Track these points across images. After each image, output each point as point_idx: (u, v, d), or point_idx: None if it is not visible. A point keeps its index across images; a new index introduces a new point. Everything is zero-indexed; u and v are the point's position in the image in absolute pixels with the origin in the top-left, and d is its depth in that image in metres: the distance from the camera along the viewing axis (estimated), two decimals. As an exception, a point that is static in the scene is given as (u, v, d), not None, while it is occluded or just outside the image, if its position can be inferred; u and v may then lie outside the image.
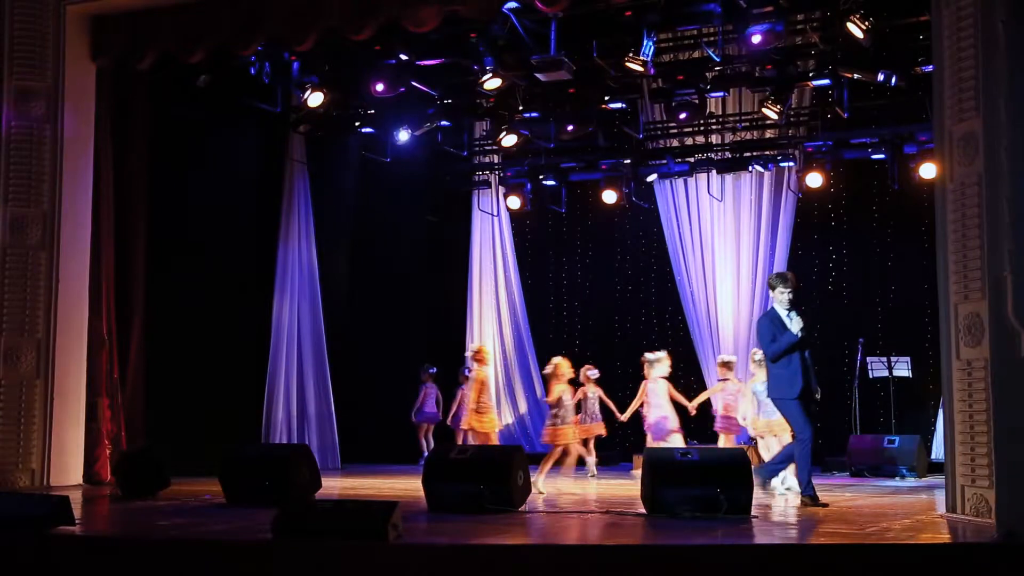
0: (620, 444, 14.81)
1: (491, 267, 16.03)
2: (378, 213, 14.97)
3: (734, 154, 14.27)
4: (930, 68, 8.80)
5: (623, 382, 14.51)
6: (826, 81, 11.83)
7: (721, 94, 12.99)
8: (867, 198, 14.39)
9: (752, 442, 11.40)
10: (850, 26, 10.10)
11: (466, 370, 14.20)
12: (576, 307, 16.03)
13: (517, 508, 7.72)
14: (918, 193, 13.24)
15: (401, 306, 15.18)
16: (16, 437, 9.89)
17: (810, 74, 11.76)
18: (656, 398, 11.16)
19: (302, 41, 9.96)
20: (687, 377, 14.14)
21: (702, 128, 14.32)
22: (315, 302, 13.76)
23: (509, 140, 13.33)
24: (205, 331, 11.94)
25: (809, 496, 8.17)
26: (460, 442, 11.78)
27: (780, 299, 8.30)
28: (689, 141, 14.64)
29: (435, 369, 14.39)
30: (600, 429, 12.18)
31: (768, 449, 10.32)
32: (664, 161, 14.49)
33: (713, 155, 14.48)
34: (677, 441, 10.88)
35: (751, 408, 10.56)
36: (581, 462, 11.58)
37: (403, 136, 13.73)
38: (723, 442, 11.43)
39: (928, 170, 12.39)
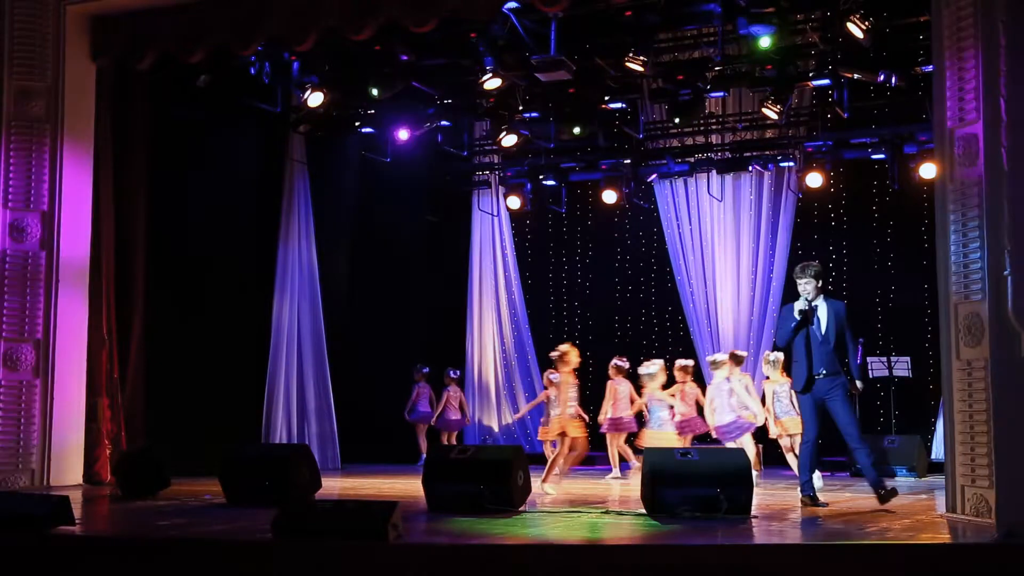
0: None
1: (491, 267, 16.02)
2: (378, 213, 14.96)
3: (734, 154, 14.26)
4: (930, 68, 8.80)
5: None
6: (826, 81, 11.81)
7: (721, 94, 12.99)
8: (867, 198, 14.38)
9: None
10: (850, 26, 10.10)
11: (450, 371, 14.22)
12: (576, 307, 16.02)
13: (517, 508, 7.72)
14: (918, 193, 13.23)
15: (401, 306, 15.17)
16: (16, 437, 9.90)
17: (810, 74, 11.74)
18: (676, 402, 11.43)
19: (302, 41, 9.96)
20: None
21: (702, 128, 14.31)
22: (315, 302, 13.75)
23: (509, 140, 13.32)
24: (205, 331, 11.94)
25: (808, 496, 8.16)
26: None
27: (800, 290, 8.18)
28: (689, 141, 14.63)
29: (428, 369, 14.41)
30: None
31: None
32: (664, 161, 14.48)
33: (713, 155, 14.47)
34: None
35: (757, 407, 10.55)
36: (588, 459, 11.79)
37: (403, 135, 13.71)
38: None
39: (928, 170, 12.38)
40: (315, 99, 11.96)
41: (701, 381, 12.03)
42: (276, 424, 13.12)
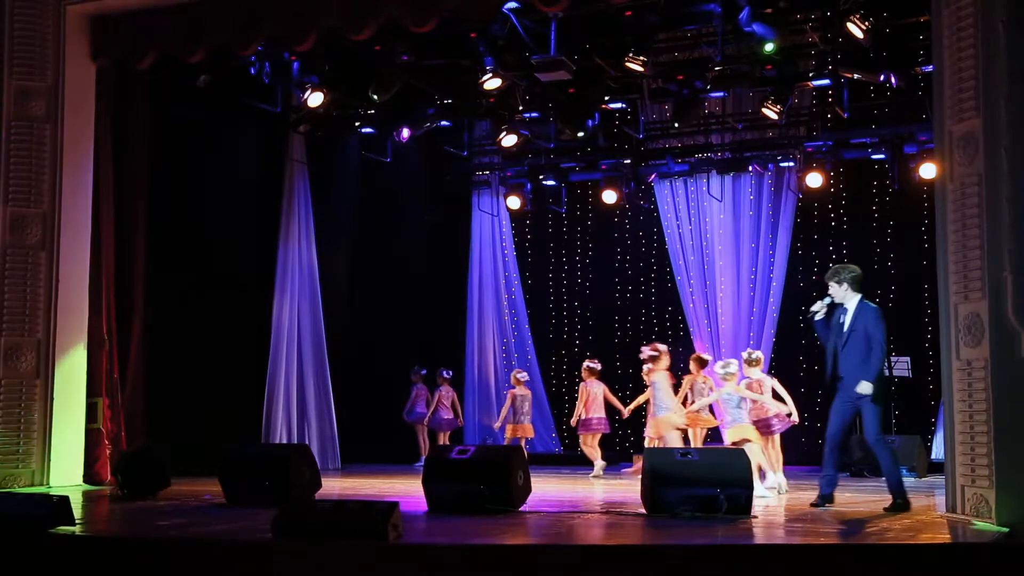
0: (620, 444, 14.82)
1: (491, 267, 16.04)
2: (378, 213, 14.97)
3: (734, 154, 14.27)
4: (930, 68, 8.80)
5: (623, 381, 14.53)
6: (826, 81, 11.82)
7: (721, 94, 12.99)
8: (867, 198, 14.39)
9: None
10: (850, 26, 10.10)
11: (443, 371, 14.24)
12: (576, 307, 16.03)
13: (517, 508, 7.72)
14: (918, 193, 13.24)
15: (401, 306, 15.18)
16: (16, 437, 9.89)
17: (810, 74, 11.75)
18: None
19: (302, 41, 9.96)
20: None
21: (702, 128, 14.32)
22: (315, 302, 13.76)
23: (509, 140, 13.33)
24: (205, 331, 11.93)
25: (820, 496, 8.12)
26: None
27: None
28: (689, 141, 14.63)
29: (426, 371, 14.44)
30: (530, 431, 13.14)
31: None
32: (664, 161, 14.49)
33: (713, 155, 14.48)
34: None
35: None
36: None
37: (404, 134, 13.71)
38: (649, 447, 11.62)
39: (928, 170, 12.39)
40: (315, 99, 11.96)
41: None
42: (276, 424, 13.12)
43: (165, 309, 11.43)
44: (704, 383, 11.51)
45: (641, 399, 12.09)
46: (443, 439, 13.99)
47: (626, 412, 12.54)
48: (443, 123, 13.82)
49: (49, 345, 10.12)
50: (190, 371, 11.61)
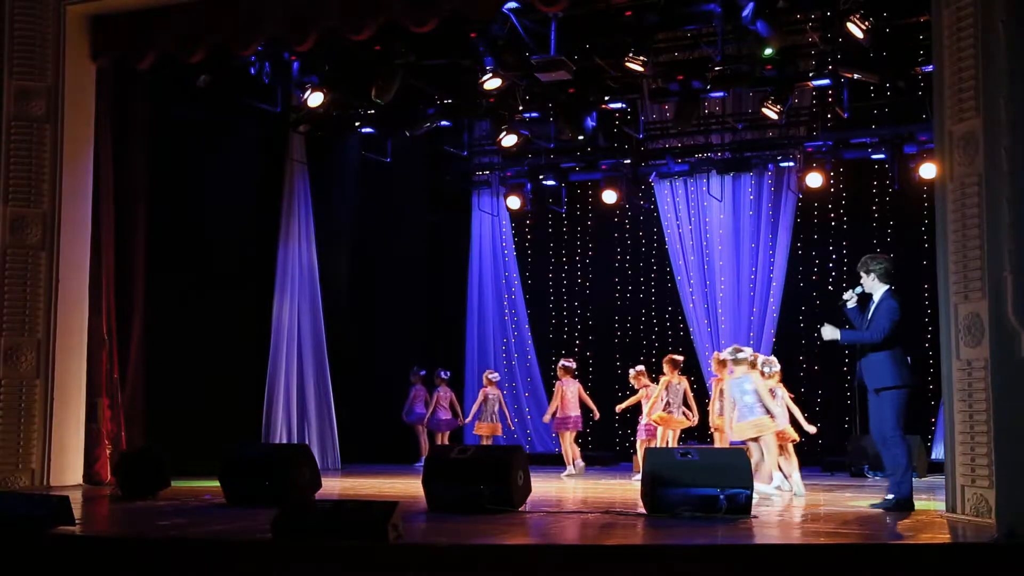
0: (621, 444, 14.82)
1: (491, 267, 16.04)
2: (378, 213, 14.97)
3: (734, 154, 14.27)
4: (930, 68, 8.80)
5: (623, 381, 14.52)
6: (826, 81, 11.83)
7: (721, 94, 12.99)
8: (867, 198, 14.39)
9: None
10: (850, 26, 10.10)
11: (441, 372, 14.25)
12: (576, 307, 16.03)
13: (517, 508, 7.72)
14: (918, 193, 13.25)
15: (401, 306, 15.18)
16: (16, 437, 9.89)
17: (810, 74, 11.75)
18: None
19: (302, 41, 9.95)
20: (687, 377, 14.11)
21: (702, 128, 14.32)
22: (315, 302, 13.76)
23: (509, 140, 13.33)
24: (205, 331, 11.94)
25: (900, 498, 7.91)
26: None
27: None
28: (689, 141, 14.64)
29: (425, 372, 14.44)
30: (498, 430, 13.34)
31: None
32: (664, 161, 14.50)
33: (713, 155, 14.49)
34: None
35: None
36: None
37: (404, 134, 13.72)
38: (640, 448, 11.63)
39: (928, 170, 12.39)
40: (315, 99, 11.96)
41: (701, 381, 12.07)
42: (276, 424, 13.12)
43: (165, 309, 11.43)
44: (679, 384, 11.52)
45: (631, 401, 12.11)
46: (442, 439, 14.00)
47: (597, 413, 12.77)
48: (443, 123, 13.82)
49: (49, 345, 10.12)
50: (190, 371, 11.62)
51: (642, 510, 7.62)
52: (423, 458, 11.90)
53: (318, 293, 13.80)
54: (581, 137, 12.94)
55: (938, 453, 12.03)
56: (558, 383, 12.67)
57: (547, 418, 12.86)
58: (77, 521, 6.66)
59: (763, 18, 10.16)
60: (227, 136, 12.79)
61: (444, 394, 14.19)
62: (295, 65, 11.96)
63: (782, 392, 10.07)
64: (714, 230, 14.66)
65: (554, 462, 14.19)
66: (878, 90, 12.86)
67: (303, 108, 12.42)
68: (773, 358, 10.59)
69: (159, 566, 5.92)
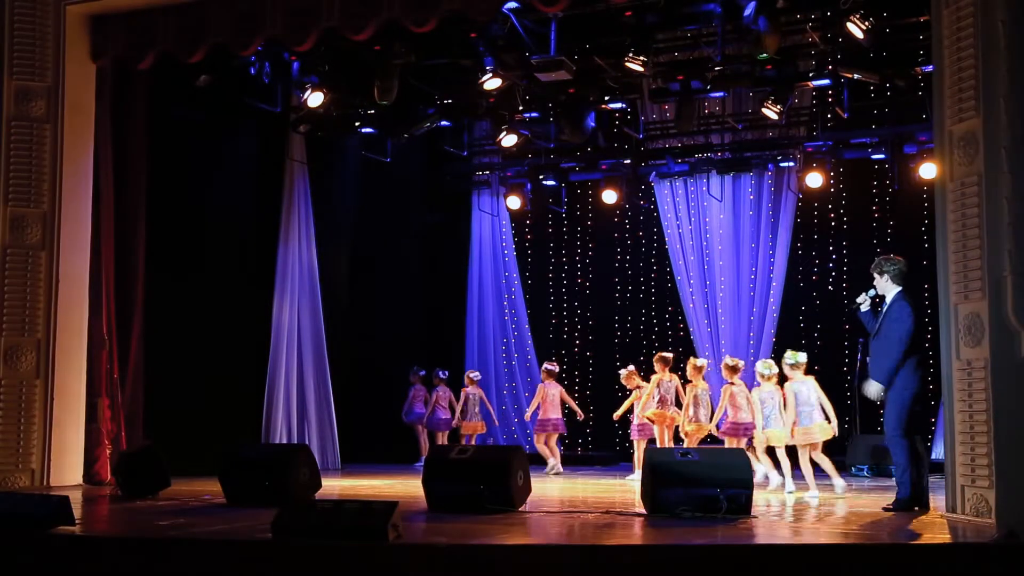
0: (621, 444, 14.82)
1: (491, 267, 16.03)
2: (378, 213, 14.97)
3: (734, 154, 14.27)
4: (930, 68, 8.80)
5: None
6: (826, 81, 11.83)
7: (721, 94, 12.99)
8: (867, 198, 14.39)
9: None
10: (850, 26, 10.10)
11: (439, 372, 14.26)
12: (576, 307, 16.03)
13: (517, 508, 7.72)
14: (918, 193, 13.24)
15: (401, 306, 15.18)
16: (16, 437, 9.89)
17: (810, 74, 11.75)
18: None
19: (302, 41, 9.95)
20: (678, 374, 14.13)
21: (702, 128, 14.32)
22: (315, 302, 13.75)
23: (509, 140, 13.33)
24: (205, 331, 11.94)
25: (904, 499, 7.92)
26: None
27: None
28: (689, 141, 14.63)
29: (424, 371, 14.45)
30: (480, 428, 13.72)
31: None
32: (664, 161, 14.50)
33: (713, 155, 14.48)
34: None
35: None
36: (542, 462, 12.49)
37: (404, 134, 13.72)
38: (638, 448, 11.83)
39: (928, 170, 12.39)
40: (315, 99, 11.96)
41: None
42: (276, 424, 13.12)
43: (165, 309, 11.43)
44: (671, 382, 11.61)
45: (626, 405, 12.13)
46: (441, 439, 14.01)
47: (581, 414, 13.17)
48: (443, 123, 13.82)
49: (49, 345, 10.12)
50: (190, 371, 11.62)
51: (642, 510, 7.62)
52: (423, 458, 11.91)
53: (318, 293, 13.79)
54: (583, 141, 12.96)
55: (938, 453, 12.02)
56: (540, 385, 13.00)
57: (528, 416, 13.18)
58: (77, 521, 6.67)
59: (764, 15, 10.12)
60: (227, 136, 12.79)
61: (443, 394, 14.19)
62: (295, 65, 11.96)
63: (779, 395, 10.06)
64: (714, 230, 14.65)
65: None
66: (878, 90, 12.86)
67: (303, 108, 12.42)
68: (771, 361, 10.61)
69: (159, 566, 5.92)
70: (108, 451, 10.45)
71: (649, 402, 11.56)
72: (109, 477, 10.22)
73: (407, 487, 10.05)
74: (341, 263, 14.58)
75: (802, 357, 9.42)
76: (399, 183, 15.02)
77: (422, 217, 15.97)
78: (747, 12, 10.16)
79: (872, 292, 8.22)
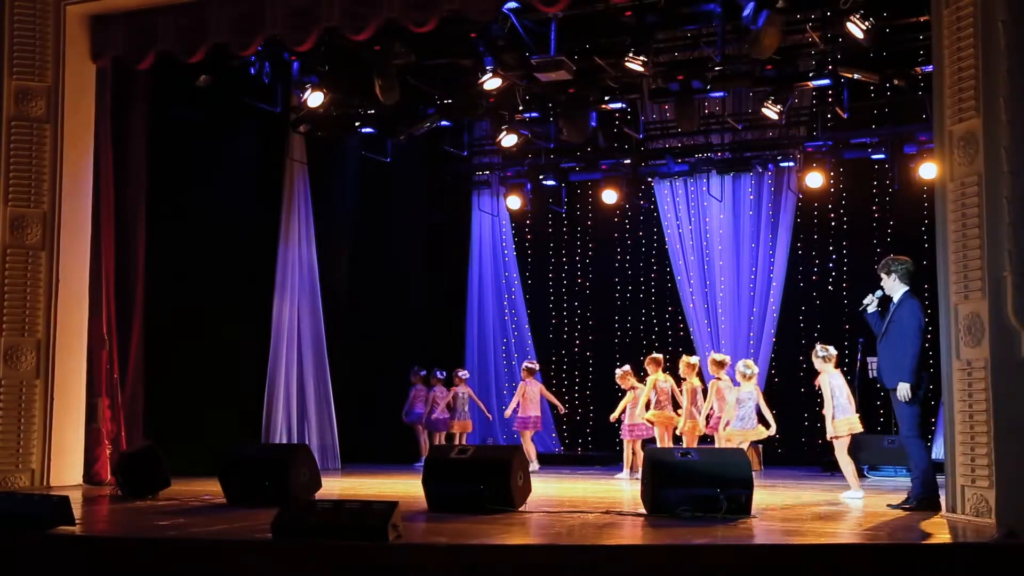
0: (621, 444, 14.80)
1: (491, 267, 16.04)
2: (378, 213, 14.97)
3: (734, 154, 14.27)
4: (930, 68, 8.79)
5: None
6: (826, 81, 11.82)
7: (721, 94, 12.99)
8: (867, 198, 14.39)
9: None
10: (850, 26, 10.09)
11: (437, 372, 14.28)
12: (576, 307, 16.03)
13: (517, 508, 7.72)
14: (918, 193, 13.25)
15: (401, 306, 15.18)
16: (16, 437, 9.89)
17: (810, 74, 11.75)
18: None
19: (302, 41, 9.95)
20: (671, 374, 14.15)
21: (702, 128, 14.33)
22: (315, 302, 13.75)
23: (509, 140, 13.33)
24: (205, 331, 11.93)
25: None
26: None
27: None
28: (689, 141, 14.63)
29: (424, 371, 14.46)
30: (469, 427, 14.07)
31: None
32: (664, 161, 14.50)
33: (713, 155, 14.48)
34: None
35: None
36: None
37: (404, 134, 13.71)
38: (628, 448, 11.98)
39: (928, 170, 12.39)
40: (315, 99, 11.96)
41: (701, 381, 12.08)
42: (276, 424, 13.11)
43: (165, 309, 11.42)
44: (665, 382, 11.70)
45: (621, 407, 12.14)
46: (439, 439, 14.02)
47: (562, 408, 13.74)
48: (443, 123, 13.81)
49: (49, 345, 10.12)
50: (190, 371, 11.61)
51: (642, 510, 7.62)
52: (423, 458, 11.91)
53: (318, 293, 13.78)
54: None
55: (938, 453, 12.01)
56: (521, 383, 13.19)
57: (508, 413, 13.50)
58: (77, 521, 6.67)
59: (766, 8, 10.07)
60: (227, 136, 12.78)
61: (440, 394, 14.20)
62: (295, 65, 11.95)
63: (757, 394, 10.48)
64: (714, 230, 14.66)
65: (554, 462, 14.22)
66: (878, 90, 12.86)
67: (303, 108, 12.42)
68: (751, 361, 10.95)
69: (159, 566, 5.92)
70: (108, 451, 10.45)
71: (642, 403, 11.66)
72: (109, 477, 10.22)
73: (407, 487, 10.04)
74: (341, 263, 14.57)
75: (833, 350, 9.35)
76: (399, 183, 15.02)
77: (422, 217, 15.96)
78: (746, 12, 10.14)
79: (880, 293, 8.23)
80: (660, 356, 12.00)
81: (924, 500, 7.80)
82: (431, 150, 15.32)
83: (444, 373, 14.36)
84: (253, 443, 11.97)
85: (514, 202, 15.50)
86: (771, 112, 11.95)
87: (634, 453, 11.89)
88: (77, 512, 6.88)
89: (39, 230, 10.15)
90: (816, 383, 9.45)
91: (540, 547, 6.14)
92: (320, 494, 8.56)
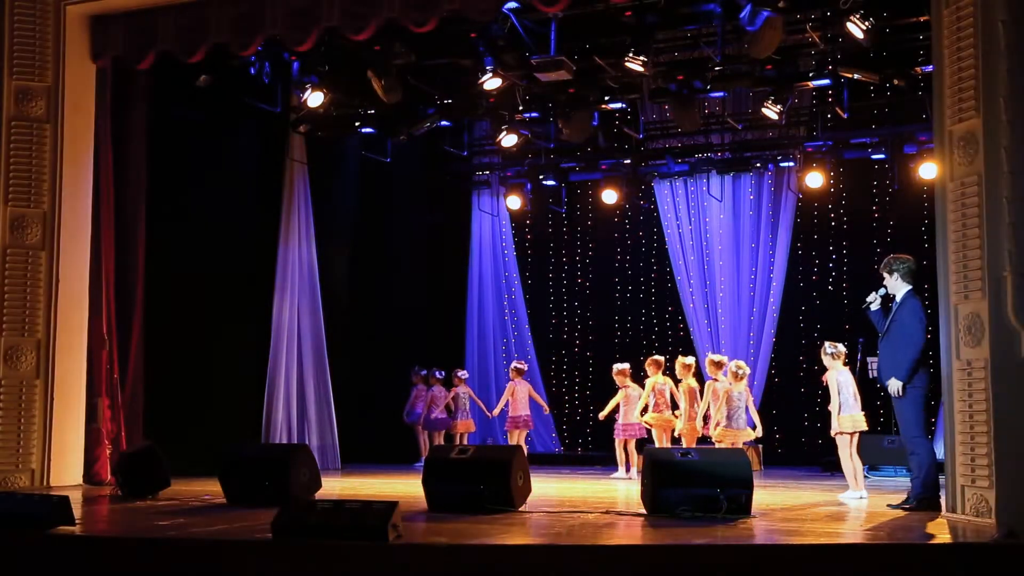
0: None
1: (491, 267, 16.04)
2: (378, 213, 14.97)
3: (734, 154, 14.27)
4: (930, 68, 8.79)
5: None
6: (826, 81, 11.82)
7: (721, 94, 12.98)
8: (867, 198, 14.39)
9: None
10: (850, 26, 10.09)
11: (436, 372, 14.30)
12: (576, 307, 16.03)
13: (517, 508, 7.72)
14: (918, 193, 13.24)
15: (401, 306, 15.18)
16: (16, 437, 9.90)
17: (810, 74, 11.75)
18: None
19: (302, 41, 9.95)
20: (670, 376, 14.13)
21: (702, 128, 14.32)
22: (315, 302, 13.75)
23: (509, 140, 13.33)
24: (205, 331, 11.94)
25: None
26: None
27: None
28: (689, 141, 14.63)
29: (425, 371, 14.46)
30: (471, 427, 14.10)
31: None
32: (664, 161, 14.50)
33: (713, 155, 14.48)
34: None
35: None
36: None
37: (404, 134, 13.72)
38: (619, 447, 12.07)
39: (928, 170, 12.39)
40: (315, 99, 11.96)
41: (701, 381, 12.07)
42: (276, 424, 13.11)
43: (165, 309, 11.42)
44: (664, 384, 11.66)
45: (611, 405, 12.14)
46: (439, 439, 14.03)
47: (547, 408, 13.90)
48: (443, 123, 13.81)
49: (49, 345, 10.12)
50: (190, 371, 11.62)
51: (642, 510, 7.62)
52: (423, 458, 11.91)
53: (318, 293, 13.78)
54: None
55: (938, 453, 12.02)
56: (510, 383, 13.26)
57: (496, 412, 13.76)
58: (77, 521, 6.67)
59: (766, 5, 10.05)
60: (227, 136, 12.78)
61: (440, 394, 14.21)
62: (295, 65, 11.95)
63: (747, 395, 10.57)
64: (714, 230, 14.66)
65: (554, 462, 14.22)
66: (878, 90, 12.86)
67: (303, 108, 12.42)
68: (742, 361, 11.02)
69: (159, 566, 5.92)
70: (108, 451, 10.45)
71: (639, 407, 11.68)
72: (109, 477, 10.22)
73: (407, 487, 10.04)
74: (341, 263, 14.57)
75: (841, 347, 9.32)
76: (399, 183, 15.02)
77: (422, 217, 15.96)
78: (742, 14, 10.15)
79: (882, 291, 8.23)
80: (661, 358, 11.94)
81: (924, 500, 7.79)
82: (431, 150, 15.32)
83: (443, 373, 14.37)
84: (253, 443, 11.97)
85: (514, 202, 15.50)
86: (771, 112, 11.95)
87: (627, 452, 11.91)
88: (77, 512, 6.88)
89: (39, 230, 10.15)
90: (824, 380, 9.44)
91: (540, 547, 6.14)
92: (320, 494, 8.56)
